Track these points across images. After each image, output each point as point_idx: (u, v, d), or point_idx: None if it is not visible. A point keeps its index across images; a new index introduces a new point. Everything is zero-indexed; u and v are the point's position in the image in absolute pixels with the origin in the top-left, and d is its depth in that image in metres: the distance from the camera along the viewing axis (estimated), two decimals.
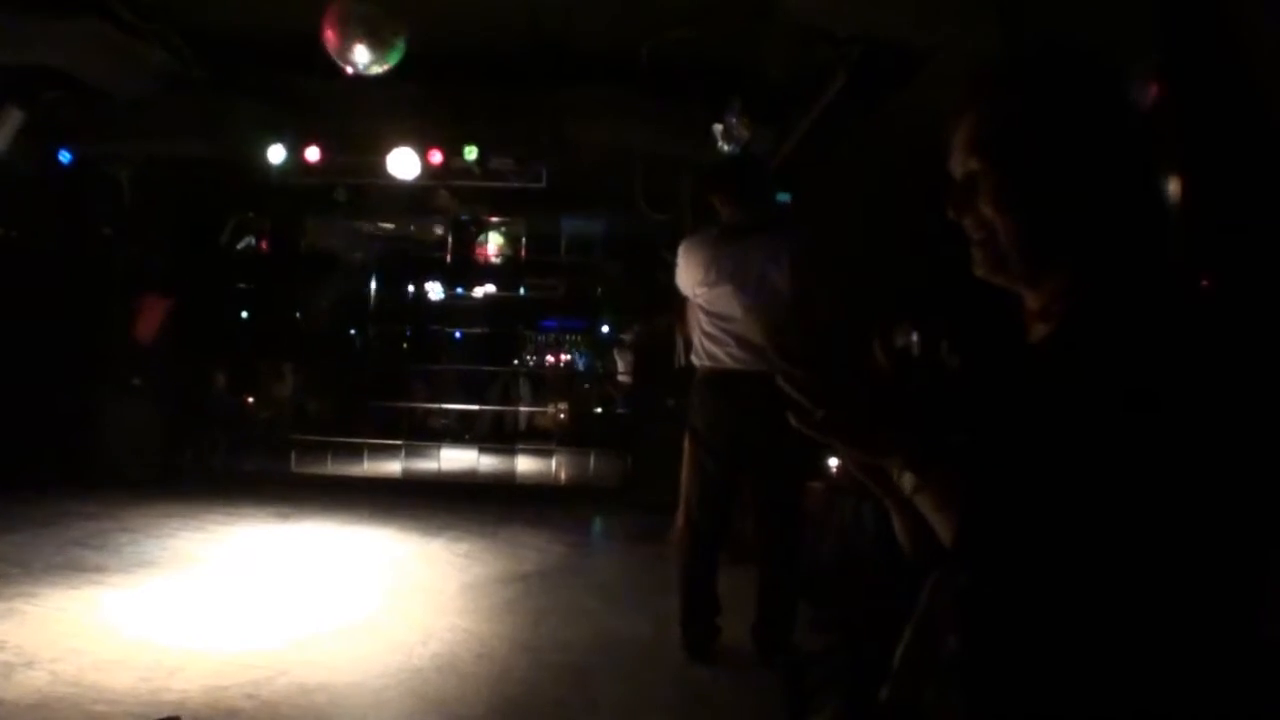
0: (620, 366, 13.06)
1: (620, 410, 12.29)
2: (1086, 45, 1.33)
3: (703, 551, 5.06)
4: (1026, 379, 1.25)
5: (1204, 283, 2.03)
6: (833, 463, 6.04)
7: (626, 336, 12.82)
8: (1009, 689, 1.15)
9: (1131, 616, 1.10)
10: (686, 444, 5.18)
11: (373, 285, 13.50)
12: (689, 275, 5.09)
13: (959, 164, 1.36)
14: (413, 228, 13.08)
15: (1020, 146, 1.30)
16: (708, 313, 5.05)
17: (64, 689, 4.15)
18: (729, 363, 4.97)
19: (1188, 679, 1.11)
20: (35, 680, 4.23)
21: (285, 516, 8.38)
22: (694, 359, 5.16)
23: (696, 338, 5.13)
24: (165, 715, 3.50)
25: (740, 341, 4.93)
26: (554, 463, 11.87)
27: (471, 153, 9.08)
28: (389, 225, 12.90)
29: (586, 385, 14.13)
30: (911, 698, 1.22)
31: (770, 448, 4.85)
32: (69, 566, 6.18)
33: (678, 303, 5.42)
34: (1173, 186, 2.71)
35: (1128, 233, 1.27)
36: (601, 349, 14.44)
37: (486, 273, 13.62)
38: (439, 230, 12.68)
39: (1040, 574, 1.12)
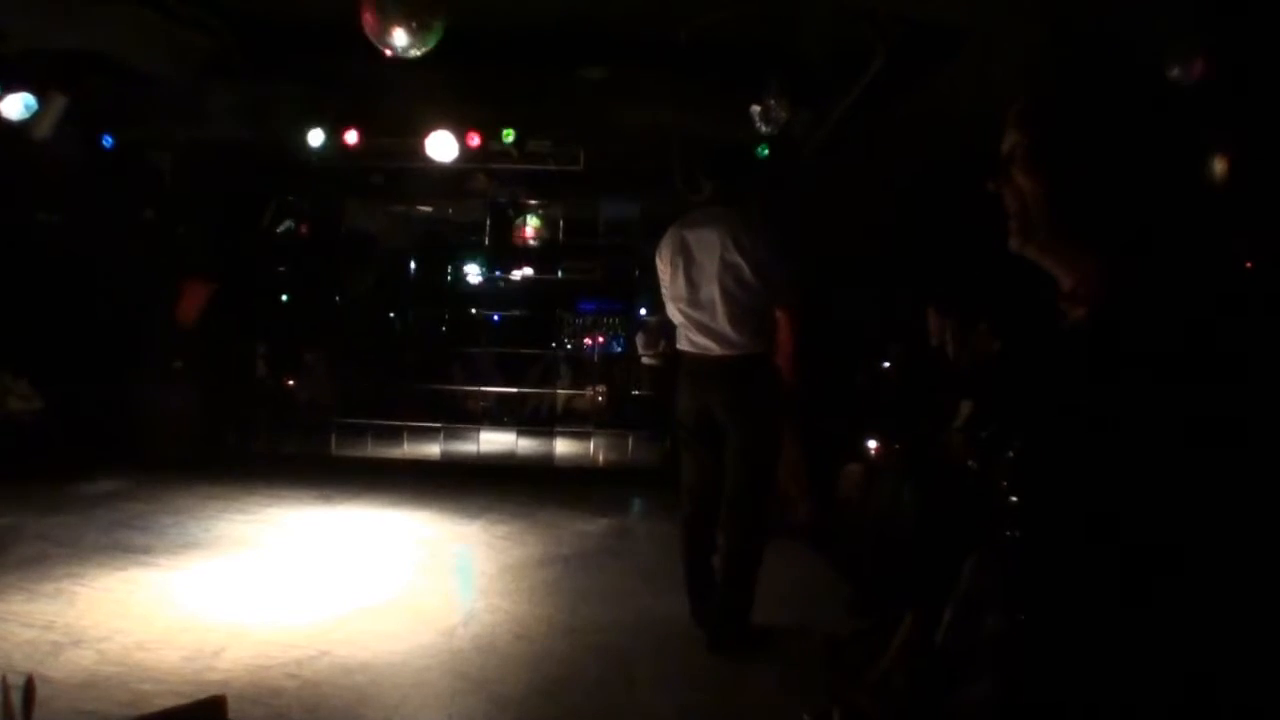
0: (641, 347, 12.96)
1: (640, 392, 12.20)
2: (1130, 28, 1.34)
3: (688, 535, 5.09)
4: (1065, 365, 1.25)
5: (1248, 265, 2.00)
6: (871, 444, 6.01)
7: (652, 318, 12.76)
8: (1051, 668, 1.14)
9: (1183, 595, 1.09)
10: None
11: (411, 268, 13.53)
12: (659, 265, 5.13)
13: (1006, 141, 1.38)
14: (451, 211, 13.11)
15: (1054, 118, 1.34)
16: (671, 298, 5.06)
17: (111, 668, 4.22)
18: (690, 348, 4.98)
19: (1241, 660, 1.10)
20: (83, 659, 4.30)
21: (326, 499, 8.44)
22: (677, 345, 5.16)
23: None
24: (210, 695, 3.54)
25: (698, 327, 4.91)
26: (592, 445, 11.86)
27: (509, 136, 9.10)
28: (427, 208, 12.94)
29: (623, 367, 14.05)
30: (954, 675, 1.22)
31: (729, 431, 4.88)
32: (115, 548, 6.27)
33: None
34: (1219, 166, 2.67)
35: (1160, 214, 1.26)
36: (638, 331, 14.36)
37: (524, 255, 13.60)
38: (477, 213, 12.69)
39: (1085, 550, 1.12)
